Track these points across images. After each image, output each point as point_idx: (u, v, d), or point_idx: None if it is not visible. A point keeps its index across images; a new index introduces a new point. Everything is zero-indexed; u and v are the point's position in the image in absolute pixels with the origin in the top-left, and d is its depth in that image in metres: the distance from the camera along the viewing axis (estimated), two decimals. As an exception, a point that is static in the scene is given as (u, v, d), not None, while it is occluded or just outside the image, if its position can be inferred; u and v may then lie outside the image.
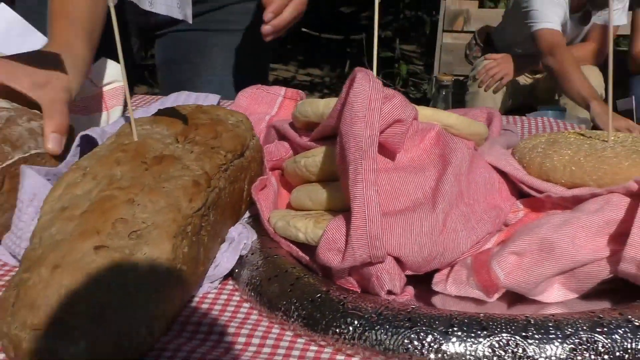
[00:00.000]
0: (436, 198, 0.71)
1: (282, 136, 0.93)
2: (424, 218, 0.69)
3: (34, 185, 0.80)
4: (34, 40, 1.08)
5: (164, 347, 0.65)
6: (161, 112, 0.83)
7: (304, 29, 5.24)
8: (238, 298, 0.76)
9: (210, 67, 1.60)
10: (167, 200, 0.68)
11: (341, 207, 0.78)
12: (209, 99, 1.14)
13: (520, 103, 3.38)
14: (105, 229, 0.64)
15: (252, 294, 0.74)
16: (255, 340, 0.68)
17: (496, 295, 0.71)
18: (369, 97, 0.69)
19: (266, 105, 1.06)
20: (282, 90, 1.07)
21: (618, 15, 3.24)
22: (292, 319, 0.69)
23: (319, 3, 5.03)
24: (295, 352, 0.66)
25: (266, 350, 0.67)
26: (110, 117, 1.15)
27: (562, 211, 0.75)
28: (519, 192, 0.81)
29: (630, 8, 3.36)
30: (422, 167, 0.76)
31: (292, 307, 0.69)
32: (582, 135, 0.83)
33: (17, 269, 0.74)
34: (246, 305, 0.75)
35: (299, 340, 0.69)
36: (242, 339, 0.68)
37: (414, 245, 0.68)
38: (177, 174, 0.71)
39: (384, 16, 5.37)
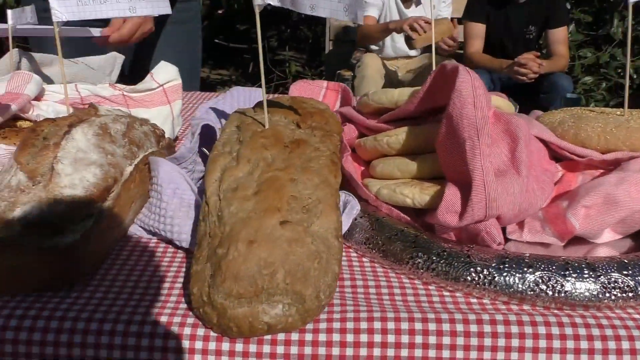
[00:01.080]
0: (517, 166, 0.66)
1: (347, 120, 0.85)
2: (514, 182, 0.64)
3: (167, 170, 0.70)
4: None
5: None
6: (269, 104, 0.73)
7: (216, 40, 5.14)
8: (355, 254, 0.69)
9: (153, 51, 1.58)
10: (319, 178, 0.60)
11: (427, 176, 0.72)
12: (257, 93, 1.04)
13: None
14: (283, 206, 0.56)
15: (374, 251, 0.67)
16: (396, 290, 0.61)
17: (566, 241, 0.68)
18: (472, 85, 0.63)
19: (313, 95, 0.97)
20: (324, 83, 0.99)
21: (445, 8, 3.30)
22: (422, 271, 0.62)
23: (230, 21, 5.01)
24: (435, 299, 0.60)
25: (410, 298, 0.60)
26: (174, 109, 1.03)
27: (612, 171, 0.71)
28: (553, 157, 0.77)
29: (463, 19, 3.44)
30: (495, 142, 0.70)
31: (420, 260, 0.63)
32: (598, 111, 0.80)
33: (144, 239, 0.65)
34: (365, 259, 0.68)
35: (430, 287, 0.62)
36: (384, 290, 0.61)
37: (512, 204, 0.63)
38: (314, 155, 0.63)
39: (275, 29, 5.43)
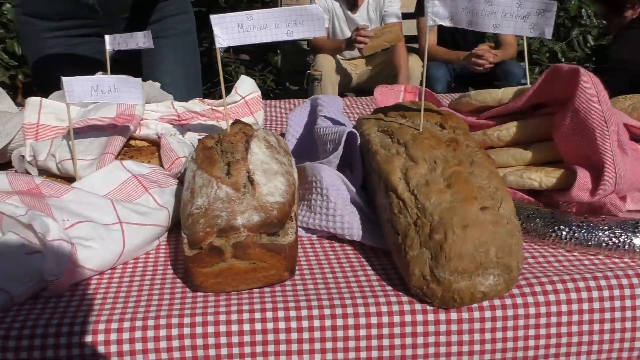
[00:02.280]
0: (623, 147, 0.79)
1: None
2: (626, 161, 0.77)
3: (329, 174, 0.80)
4: None
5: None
6: (405, 108, 0.84)
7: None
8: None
9: (162, 62, 1.61)
10: (487, 169, 0.71)
11: (541, 162, 0.84)
12: (338, 100, 1.12)
13: (352, 87, 3.54)
14: (476, 195, 0.66)
15: (516, 228, 0.78)
16: (551, 259, 0.73)
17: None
18: (593, 82, 0.76)
19: (394, 98, 1.08)
20: (402, 87, 1.10)
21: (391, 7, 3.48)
22: (565, 241, 0.75)
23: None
24: (586, 262, 0.72)
25: (565, 263, 0.72)
26: (257, 119, 1.11)
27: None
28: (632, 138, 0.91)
29: (415, 14, 3.63)
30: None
31: (563, 232, 0.75)
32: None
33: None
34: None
35: (574, 254, 0.75)
36: (541, 259, 0.73)
37: (627, 179, 0.76)
38: (470, 151, 0.74)
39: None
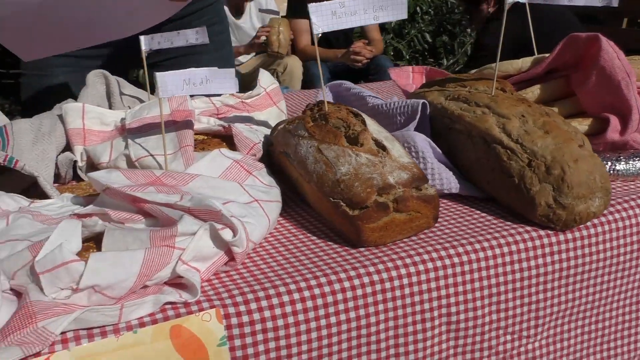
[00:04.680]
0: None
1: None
2: None
3: (422, 139, 0.91)
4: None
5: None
6: (437, 83, 0.98)
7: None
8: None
9: None
10: (559, 118, 0.87)
11: (566, 115, 1.02)
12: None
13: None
14: (572, 136, 0.82)
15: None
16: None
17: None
18: (610, 44, 0.95)
19: (405, 78, 1.21)
20: (409, 68, 1.23)
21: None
22: (610, 173, 0.93)
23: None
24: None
25: (625, 188, 0.91)
26: (281, 108, 1.18)
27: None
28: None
29: (287, 17, 3.84)
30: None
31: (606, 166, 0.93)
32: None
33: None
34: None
35: (617, 183, 0.94)
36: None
37: None
38: (536, 105, 0.90)
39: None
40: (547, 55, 1.03)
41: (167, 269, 0.67)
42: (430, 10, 5.92)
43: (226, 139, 1.00)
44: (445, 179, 0.89)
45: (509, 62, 1.07)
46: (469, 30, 5.44)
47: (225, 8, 3.40)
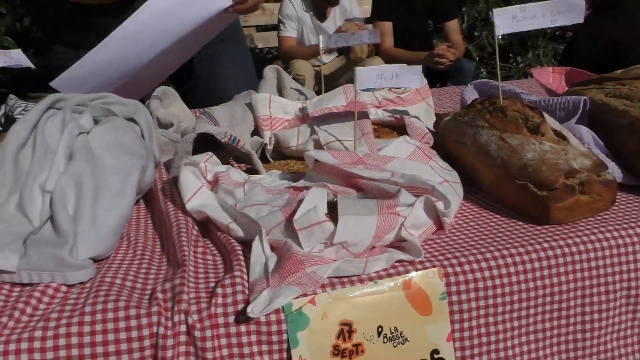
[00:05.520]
0: None
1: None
2: None
3: (586, 132, 0.99)
4: None
5: None
6: (595, 81, 1.06)
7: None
8: None
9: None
10: None
11: None
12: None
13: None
14: None
15: None
16: None
17: None
18: None
19: (546, 77, 1.30)
20: (550, 68, 1.32)
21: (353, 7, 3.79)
22: None
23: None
24: None
25: None
26: (430, 103, 1.29)
27: None
28: None
29: (371, 19, 3.94)
30: None
31: None
32: None
33: None
34: None
35: None
36: None
37: None
38: None
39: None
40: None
41: (392, 232, 0.78)
42: (503, 14, 5.92)
43: (396, 128, 1.12)
44: (610, 169, 0.97)
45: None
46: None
47: (310, 13, 3.59)
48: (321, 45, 1.16)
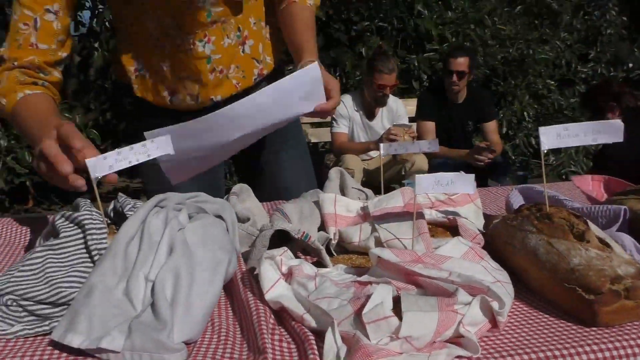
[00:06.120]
0: None
1: None
2: None
3: (627, 239, 1.06)
4: None
5: None
6: (633, 192, 1.13)
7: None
8: None
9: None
10: None
11: None
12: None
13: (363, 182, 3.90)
14: None
15: None
16: None
17: None
18: None
19: (586, 185, 1.38)
20: (589, 176, 1.40)
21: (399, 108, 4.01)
22: None
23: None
24: None
25: None
26: (478, 205, 1.37)
27: None
28: None
29: (416, 118, 4.12)
30: None
31: None
32: None
33: None
34: None
35: None
36: None
37: None
38: None
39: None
40: None
41: (451, 329, 0.86)
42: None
43: (449, 228, 1.20)
44: (652, 275, 1.03)
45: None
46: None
47: (360, 112, 3.82)
48: (381, 152, 1.28)
